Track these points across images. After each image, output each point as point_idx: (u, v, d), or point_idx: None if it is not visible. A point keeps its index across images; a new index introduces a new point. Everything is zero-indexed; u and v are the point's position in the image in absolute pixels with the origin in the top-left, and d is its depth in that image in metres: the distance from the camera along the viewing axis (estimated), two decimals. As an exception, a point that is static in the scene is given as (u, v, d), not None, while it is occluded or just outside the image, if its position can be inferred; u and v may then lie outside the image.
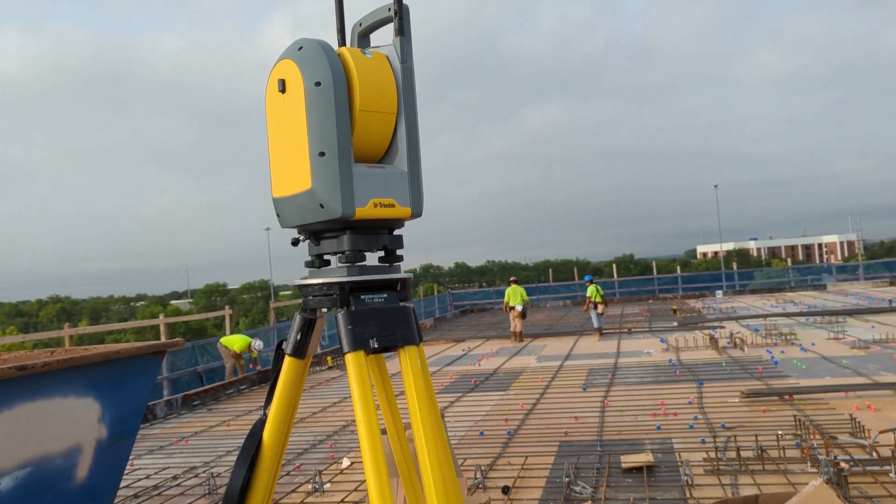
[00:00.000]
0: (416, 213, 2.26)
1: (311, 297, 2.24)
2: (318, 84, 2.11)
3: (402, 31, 2.21)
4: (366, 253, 2.23)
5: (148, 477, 7.86)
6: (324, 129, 2.11)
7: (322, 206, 2.13)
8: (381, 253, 2.28)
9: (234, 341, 15.59)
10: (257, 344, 15.63)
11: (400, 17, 2.20)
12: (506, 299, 20.46)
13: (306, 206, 2.16)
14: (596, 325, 19.49)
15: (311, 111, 2.12)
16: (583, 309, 19.82)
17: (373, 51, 2.24)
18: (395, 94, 2.21)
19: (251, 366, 15.82)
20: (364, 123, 2.17)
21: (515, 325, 19.70)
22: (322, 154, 2.11)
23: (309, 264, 2.28)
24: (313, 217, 2.16)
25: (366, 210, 2.15)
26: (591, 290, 19.62)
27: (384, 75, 2.21)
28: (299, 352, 2.29)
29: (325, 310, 2.25)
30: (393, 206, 2.18)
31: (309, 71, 2.12)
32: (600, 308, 19.55)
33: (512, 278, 22.26)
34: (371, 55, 2.22)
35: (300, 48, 2.17)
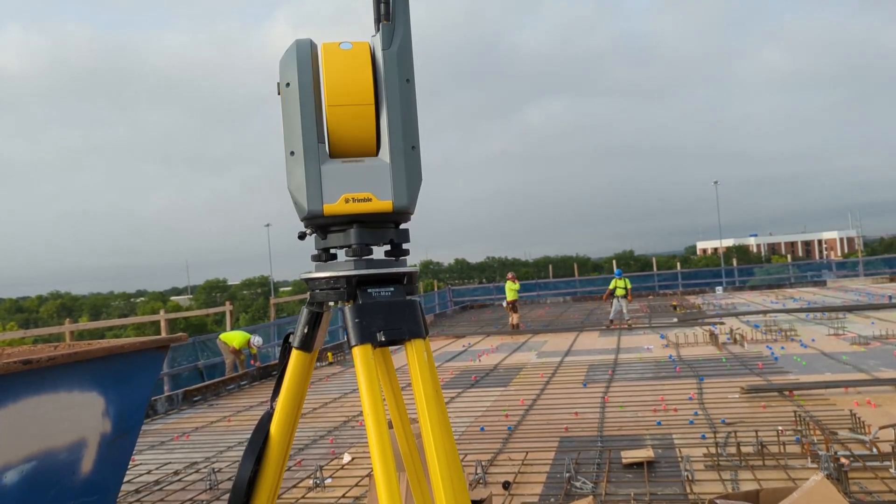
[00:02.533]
0: (401, 206, 2.18)
1: (317, 291, 2.24)
2: (287, 85, 2.18)
3: (388, 17, 2.17)
4: (372, 247, 2.23)
5: (149, 472, 7.87)
6: (292, 128, 2.17)
7: (295, 203, 2.20)
8: (388, 247, 2.29)
9: (233, 338, 15.61)
10: (256, 340, 15.67)
11: (385, 2, 2.17)
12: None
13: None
14: (613, 316, 20.39)
15: (283, 112, 2.20)
16: (628, 299, 20.75)
17: (356, 42, 2.22)
18: (369, 85, 2.17)
19: (251, 362, 15.84)
20: (336, 119, 2.18)
21: (511, 317, 21.67)
22: (292, 153, 2.18)
23: (315, 258, 2.29)
24: (300, 213, 2.23)
25: (335, 206, 2.17)
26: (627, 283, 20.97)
27: (357, 67, 2.18)
28: (306, 345, 2.30)
29: (332, 303, 2.26)
30: (369, 200, 2.17)
31: (282, 73, 2.20)
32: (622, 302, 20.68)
33: (508, 274, 23.17)
34: (350, 47, 2.21)
35: (287, 50, 2.23)
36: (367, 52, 2.19)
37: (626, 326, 19.74)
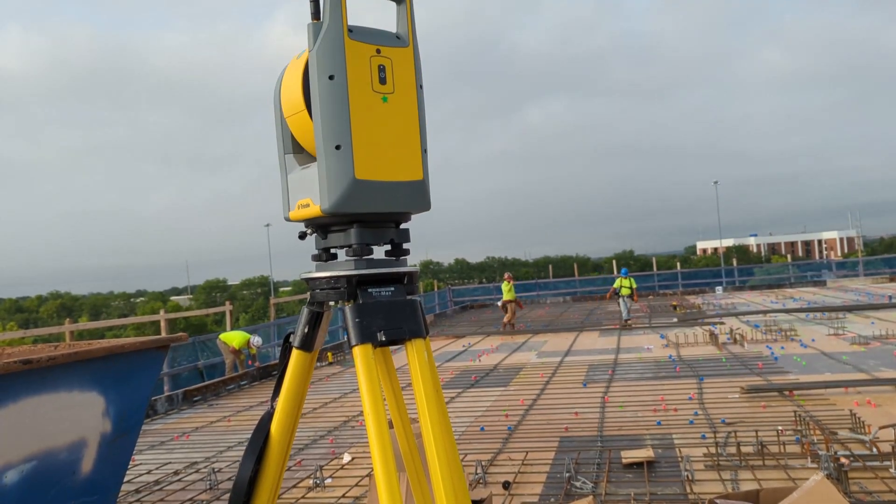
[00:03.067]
0: (326, 210, 2.12)
1: (318, 291, 2.24)
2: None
3: (317, 15, 2.12)
4: (373, 246, 2.23)
5: (149, 472, 7.87)
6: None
7: None
8: (388, 246, 2.28)
9: (233, 338, 15.61)
10: (256, 340, 15.68)
11: (314, 1, 2.13)
12: None
13: None
14: (626, 315, 20.44)
15: None
16: (633, 299, 20.97)
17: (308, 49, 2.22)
18: (298, 92, 2.17)
19: (250, 362, 15.83)
20: (293, 128, 2.24)
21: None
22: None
23: (316, 258, 2.28)
24: None
25: (294, 213, 2.24)
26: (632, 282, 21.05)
27: (294, 75, 2.20)
28: (307, 345, 2.30)
29: (332, 303, 2.26)
30: (308, 205, 2.18)
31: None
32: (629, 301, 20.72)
33: (505, 275, 23.61)
34: (301, 54, 2.21)
35: None
36: (306, 57, 2.17)
37: (625, 327, 19.75)
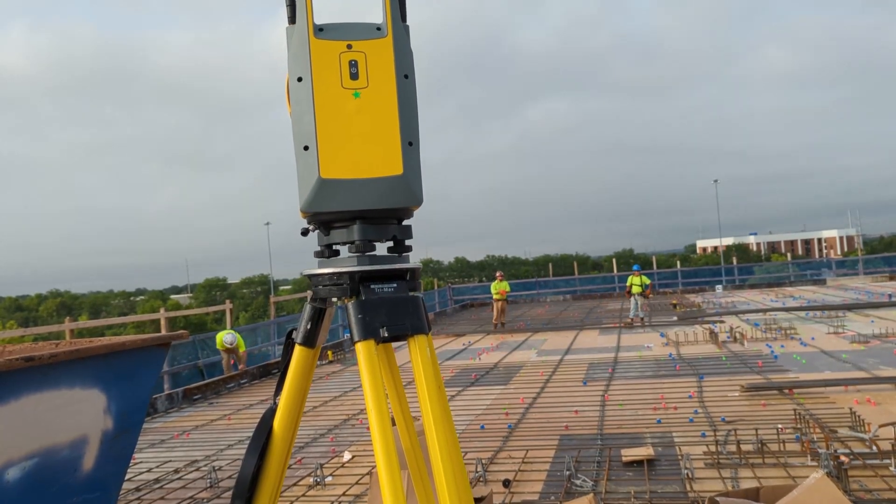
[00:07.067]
0: (301, 209, 2.17)
1: (320, 287, 2.24)
2: None
3: (292, 19, 2.12)
4: (375, 243, 2.23)
5: (150, 470, 7.88)
6: None
7: None
8: (391, 243, 2.28)
9: (218, 338, 15.52)
10: (228, 338, 15.27)
11: (290, 5, 2.13)
12: None
13: None
14: (641, 314, 20.48)
15: None
16: (646, 295, 21.05)
17: None
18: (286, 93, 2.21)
19: (232, 361, 15.47)
20: None
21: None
22: None
23: (318, 254, 2.28)
24: None
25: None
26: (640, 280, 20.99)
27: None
28: (309, 341, 2.30)
29: (335, 299, 2.25)
30: None
31: None
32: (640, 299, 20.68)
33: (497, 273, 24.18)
34: None
35: None
36: None
37: (625, 325, 19.77)
